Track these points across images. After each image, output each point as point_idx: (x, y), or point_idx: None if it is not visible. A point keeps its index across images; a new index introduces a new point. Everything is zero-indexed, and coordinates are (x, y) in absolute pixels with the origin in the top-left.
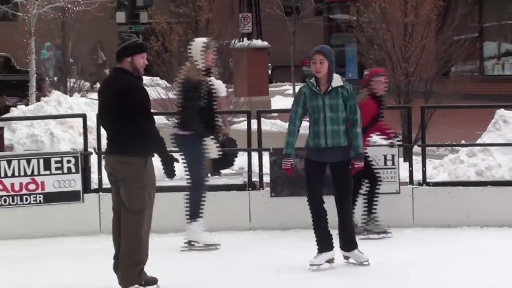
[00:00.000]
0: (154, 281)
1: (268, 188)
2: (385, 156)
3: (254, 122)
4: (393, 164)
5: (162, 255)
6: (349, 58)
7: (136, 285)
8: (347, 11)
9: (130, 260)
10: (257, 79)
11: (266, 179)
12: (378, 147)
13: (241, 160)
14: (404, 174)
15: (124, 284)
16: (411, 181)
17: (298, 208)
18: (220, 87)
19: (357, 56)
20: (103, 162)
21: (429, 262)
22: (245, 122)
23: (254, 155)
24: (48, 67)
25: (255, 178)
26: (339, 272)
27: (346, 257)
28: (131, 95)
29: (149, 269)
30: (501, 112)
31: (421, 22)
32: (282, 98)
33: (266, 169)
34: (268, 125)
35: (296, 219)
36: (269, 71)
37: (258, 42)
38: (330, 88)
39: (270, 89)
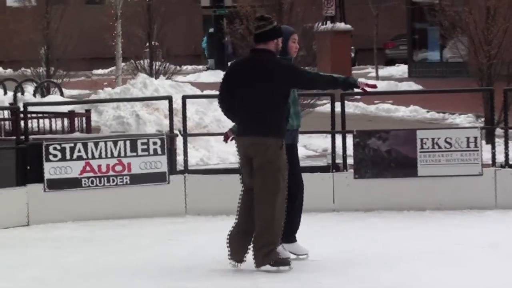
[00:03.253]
0: (287, 262)
1: (352, 170)
2: (467, 138)
3: (337, 105)
4: (475, 146)
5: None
6: (432, 41)
7: (268, 265)
8: None
9: (263, 240)
10: (340, 62)
11: (350, 161)
12: (461, 129)
13: (325, 142)
14: (486, 156)
15: (258, 263)
16: (493, 163)
17: (381, 189)
18: None
19: (439, 39)
20: (188, 144)
21: (510, 245)
22: (329, 105)
23: (338, 137)
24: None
25: (338, 160)
26: (417, 254)
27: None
28: (295, 77)
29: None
30: None
31: (504, 5)
32: (365, 81)
33: (350, 151)
34: (351, 107)
35: (379, 201)
36: (352, 54)
37: (341, 25)
38: None
39: (353, 71)
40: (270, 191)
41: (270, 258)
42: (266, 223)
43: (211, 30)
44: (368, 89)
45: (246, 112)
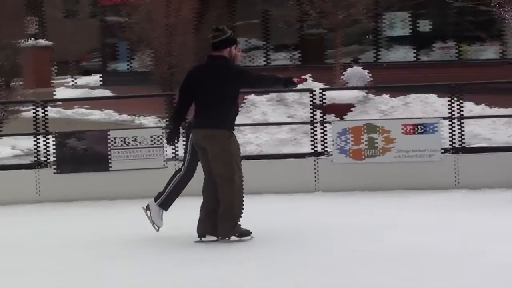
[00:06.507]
0: (248, 233)
1: (54, 166)
2: (152, 136)
3: (40, 110)
4: (159, 143)
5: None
6: (121, 53)
7: (233, 237)
8: (118, 13)
9: (227, 216)
10: (42, 73)
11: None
12: (147, 129)
13: (29, 143)
14: (170, 152)
15: (223, 235)
16: (175, 158)
17: (79, 182)
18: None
19: (128, 52)
20: None
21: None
22: (31, 111)
23: (42, 138)
24: None
25: (42, 158)
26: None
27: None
28: (243, 78)
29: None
30: (250, 97)
31: (181, 21)
32: (64, 89)
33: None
34: (51, 112)
35: (78, 192)
36: (53, 66)
37: (42, 42)
38: None
39: (53, 81)
40: (225, 176)
41: (235, 230)
42: (229, 202)
43: None
44: (301, 82)
45: (201, 108)
